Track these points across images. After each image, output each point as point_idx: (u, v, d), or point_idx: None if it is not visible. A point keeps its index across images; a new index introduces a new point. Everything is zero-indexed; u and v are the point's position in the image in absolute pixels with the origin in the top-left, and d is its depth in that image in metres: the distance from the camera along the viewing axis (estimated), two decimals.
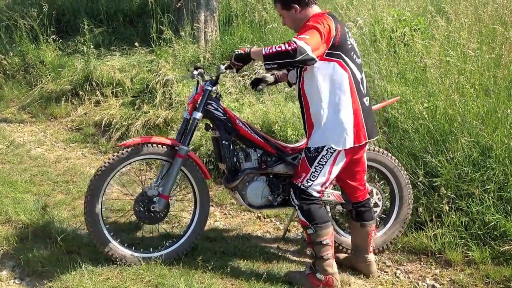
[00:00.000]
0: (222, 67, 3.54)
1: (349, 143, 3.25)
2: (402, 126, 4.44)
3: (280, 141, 4.11)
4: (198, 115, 3.51)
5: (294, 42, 3.03)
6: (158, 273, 3.40)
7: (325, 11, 3.29)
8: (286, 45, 3.03)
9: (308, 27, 3.12)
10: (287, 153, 3.64)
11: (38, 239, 3.83)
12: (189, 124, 3.55)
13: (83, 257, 3.54)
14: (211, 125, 3.64)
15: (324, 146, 3.26)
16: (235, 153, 3.58)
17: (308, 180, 3.31)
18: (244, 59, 3.32)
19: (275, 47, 3.08)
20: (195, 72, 3.66)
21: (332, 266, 3.38)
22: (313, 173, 3.30)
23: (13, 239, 3.80)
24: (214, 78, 3.59)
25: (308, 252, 3.86)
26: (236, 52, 3.33)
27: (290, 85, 3.97)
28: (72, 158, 5.51)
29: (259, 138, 3.61)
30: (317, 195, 3.35)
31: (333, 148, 3.25)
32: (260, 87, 3.77)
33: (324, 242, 3.35)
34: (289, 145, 3.73)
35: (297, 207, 3.37)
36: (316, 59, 3.06)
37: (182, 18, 6.76)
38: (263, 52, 3.11)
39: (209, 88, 3.54)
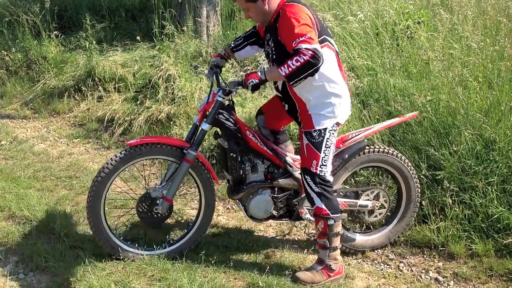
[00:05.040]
0: (235, 89, 3.36)
1: (348, 112, 3.41)
2: None
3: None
4: (207, 126, 3.40)
5: (306, 48, 2.94)
6: (161, 268, 3.41)
7: None
8: (302, 56, 2.95)
9: (294, 24, 3.01)
10: (296, 168, 3.55)
11: (42, 234, 3.84)
12: (197, 130, 3.46)
13: (86, 252, 3.55)
14: (220, 134, 3.53)
15: (326, 128, 3.28)
16: (242, 165, 3.47)
17: (321, 166, 3.30)
18: (261, 85, 3.23)
19: (293, 64, 2.98)
20: (210, 74, 3.50)
21: (339, 254, 3.47)
22: (323, 158, 3.30)
23: (16, 235, 3.82)
24: (227, 89, 3.39)
25: (315, 247, 3.80)
26: (252, 83, 3.16)
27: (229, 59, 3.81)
28: (75, 154, 5.51)
29: (268, 150, 3.51)
30: (331, 179, 3.39)
31: (337, 123, 3.32)
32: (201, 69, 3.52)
33: (340, 232, 3.41)
34: (299, 158, 3.55)
35: (316, 195, 3.32)
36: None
37: (184, 13, 6.74)
38: (283, 74, 3.03)
39: (221, 99, 3.38)
